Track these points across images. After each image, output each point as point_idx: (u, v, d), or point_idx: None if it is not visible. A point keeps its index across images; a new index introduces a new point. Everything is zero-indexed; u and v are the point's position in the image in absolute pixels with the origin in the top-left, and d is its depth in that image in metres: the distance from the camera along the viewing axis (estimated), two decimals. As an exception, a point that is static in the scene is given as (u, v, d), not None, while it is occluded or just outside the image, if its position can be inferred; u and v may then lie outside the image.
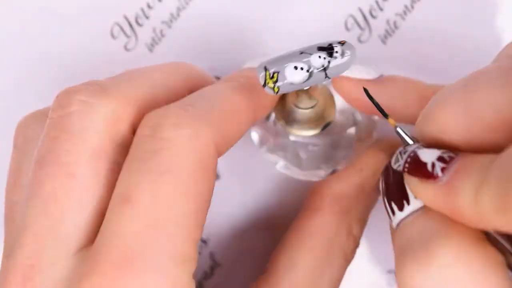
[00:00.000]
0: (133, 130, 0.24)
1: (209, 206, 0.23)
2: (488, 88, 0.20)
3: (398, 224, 0.21)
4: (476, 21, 0.33)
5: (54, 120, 0.23)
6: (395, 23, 0.33)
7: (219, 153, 0.23)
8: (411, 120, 0.25)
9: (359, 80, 0.26)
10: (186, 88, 0.26)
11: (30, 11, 0.32)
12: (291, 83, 0.23)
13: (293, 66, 0.23)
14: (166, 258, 0.21)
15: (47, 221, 0.22)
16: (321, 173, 0.29)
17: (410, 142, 0.22)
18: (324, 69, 0.23)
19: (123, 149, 0.23)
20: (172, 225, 0.21)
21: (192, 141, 0.22)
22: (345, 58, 0.23)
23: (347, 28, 0.32)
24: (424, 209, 0.21)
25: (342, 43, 0.24)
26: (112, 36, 0.32)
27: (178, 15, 0.32)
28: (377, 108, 0.23)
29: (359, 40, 0.32)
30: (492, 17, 0.33)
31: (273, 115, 0.29)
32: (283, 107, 0.28)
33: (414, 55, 0.33)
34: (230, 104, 0.24)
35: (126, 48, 0.32)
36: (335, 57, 0.23)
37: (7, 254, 0.23)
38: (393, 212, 0.21)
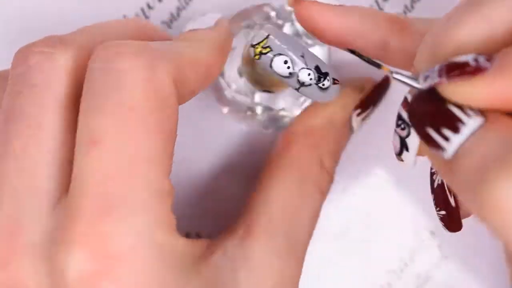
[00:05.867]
0: None
1: (175, 137, 0.22)
2: None
3: (456, 151, 0.19)
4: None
5: (16, 76, 0.23)
6: (395, 23, 0.33)
7: (181, 98, 0.23)
8: (379, 45, 0.24)
9: (324, 5, 0.24)
10: (142, 38, 0.26)
11: (29, 11, 0.32)
12: (270, 67, 0.23)
13: (284, 60, 0.23)
14: (144, 195, 0.21)
15: (22, 176, 0.22)
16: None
17: (416, 84, 0.20)
18: (300, 84, 0.23)
19: None
20: (144, 162, 0.21)
21: (148, 73, 0.21)
22: (321, 93, 0.23)
23: (347, 28, 0.32)
24: (487, 122, 0.19)
25: (335, 82, 0.23)
26: (112, 36, 0.32)
27: (178, 15, 0.32)
28: (369, 62, 0.22)
29: (359, 40, 0.32)
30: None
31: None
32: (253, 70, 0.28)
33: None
34: (192, 55, 0.24)
35: (126, 48, 0.32)
36: (316, 85, 0.23)
37: None
38: (447, 139, 0.19)
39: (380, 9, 0.32)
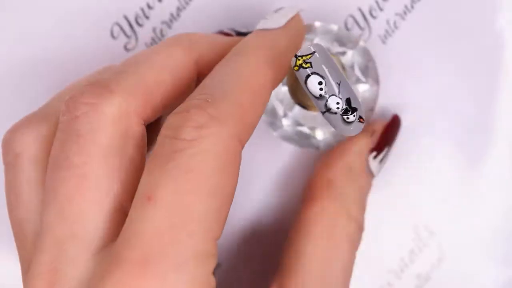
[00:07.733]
0: (143, 122, 0.24)
1: (231, 200, 0.23)
2: None
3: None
4: (475, 21, 0.33)
5: (64, 124, 0.24)
6: (395, 23, 0.33)
7: (243, 143, 0.23)
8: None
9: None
10: (192, 61, 0.26)
11: (29, 11, 0.32)
12: (305, 82, 0.23)
13: (319, 81, 0.23)
14: (186, 256, 0.21)
15: (64, 224, 0.22)
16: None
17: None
18: (326, 109, 0.23)
19: (136, 143, 0.24)
20: (194, 224, 0.21)
21: (214, 141, 0.22)
22: (344, 125, 0.24)
23: (347, 28, 0.32)
24: None
25: (361, 120, 0.24)
26: (112, 36, 0.32)
27: (178, 15, 0.32)
28: None
29: (359, 40, 0.32)
30: (491, 17, 0.33)
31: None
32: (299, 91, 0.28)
33: (414, 55, 0.33)
34: (253, 86, 0.24)
35: (126, 48, 0.32)
36: (340, 116, 0.23)
37: (26, 269, 0.23)
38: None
39: (380, 9, 0.33)
